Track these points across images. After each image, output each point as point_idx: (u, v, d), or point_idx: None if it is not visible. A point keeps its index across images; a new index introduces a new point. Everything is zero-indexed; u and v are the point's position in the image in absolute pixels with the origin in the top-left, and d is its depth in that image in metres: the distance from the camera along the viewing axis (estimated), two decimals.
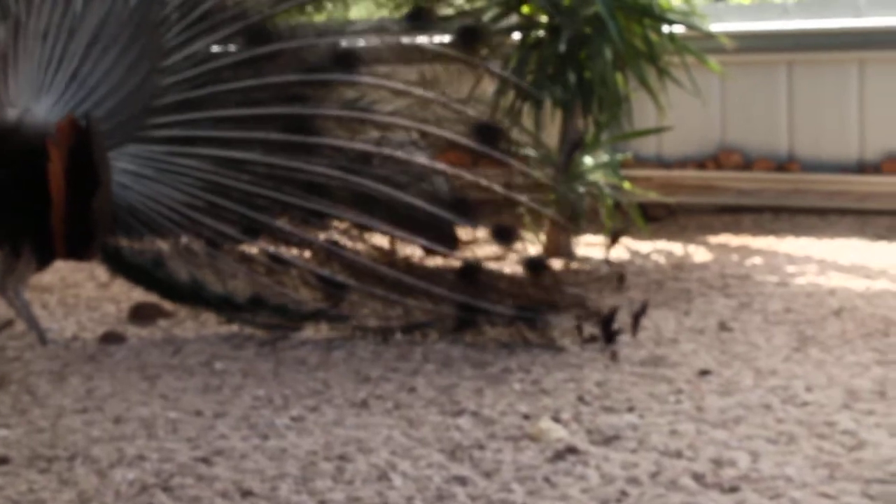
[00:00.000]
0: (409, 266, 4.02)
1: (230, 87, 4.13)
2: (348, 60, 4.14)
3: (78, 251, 4.13)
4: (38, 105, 4.01)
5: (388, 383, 3.54)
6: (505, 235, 4.01)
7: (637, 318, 3.96)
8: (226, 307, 4.16)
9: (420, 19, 4.18)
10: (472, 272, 3.98)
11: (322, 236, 4.07)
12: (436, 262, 4.03)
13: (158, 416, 3.29)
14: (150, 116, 4.10)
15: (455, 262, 4.01)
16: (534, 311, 3.91)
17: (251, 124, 4.13)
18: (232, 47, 4.21)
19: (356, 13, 4.44)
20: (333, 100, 4.16)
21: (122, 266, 4.21)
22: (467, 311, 3.94)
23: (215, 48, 4.19)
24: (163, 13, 4.14)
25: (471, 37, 4.20)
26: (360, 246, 4.06)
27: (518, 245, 4.01)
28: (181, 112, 4.11)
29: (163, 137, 4.10)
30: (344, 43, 4.18)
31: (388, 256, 4.05)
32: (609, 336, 3.88)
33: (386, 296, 4.00)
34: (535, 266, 4.02)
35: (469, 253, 4.00)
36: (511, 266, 4.05)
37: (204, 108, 4.13)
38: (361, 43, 4.20)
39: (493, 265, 4.01)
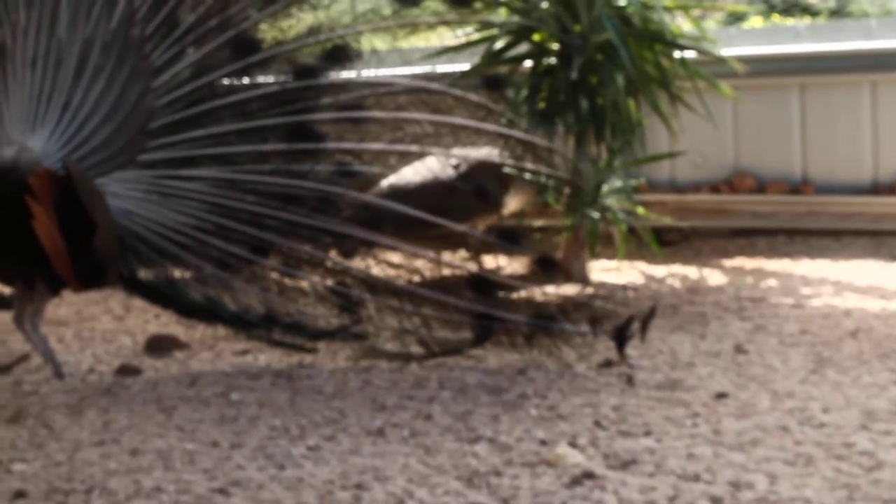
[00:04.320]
0: (421, 278, 4.04)
1: (225, 102, 4.13)
2: (340, 57, 4.15)
3: (91, 283, 4.11)
4: (34, 139, 3.96)
5: (404, 411, 3.54)
6: (510, 237, 4.08)
7: (646, 321, 3.99)
8: (241, 324, 4.16)
9: None
10: (484, 283, 4.01)
11: (332, 253, 4.08)
12: (448, 273, 4.05)
13: (175, 447, 3.29)
14: (148, 139, 4.08)
15: (467, 274, 4.05)
16: (549, 320, 3.94)
17: (250, 138, 4.12)
18: (222, 59, 4.17)
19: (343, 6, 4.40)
20: (331, 101, 4.16)
21: (137, 287, 4.20)
22: (483, 319, 3.96)
23: (204, 62, 4.16)
24: (146, 31, 4.12)
25: None
26: (370, 261, 4.07)
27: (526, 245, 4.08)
28: (178, 132, 4.09)
29: (163, 160, 4.08)
30: (335, 39, 4.17)
31: (399, 270, 4.07)
32: (622, 343, 3.90)
33: (401, 307, 4.02)
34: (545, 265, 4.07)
35: (479, 264, 4.04)
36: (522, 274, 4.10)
37: (201, 125, 4.10)
38: (352, 35, 4.19)
39: (505, 276, 4.06)
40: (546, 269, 4.11)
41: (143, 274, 4.15)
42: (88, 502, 2.92)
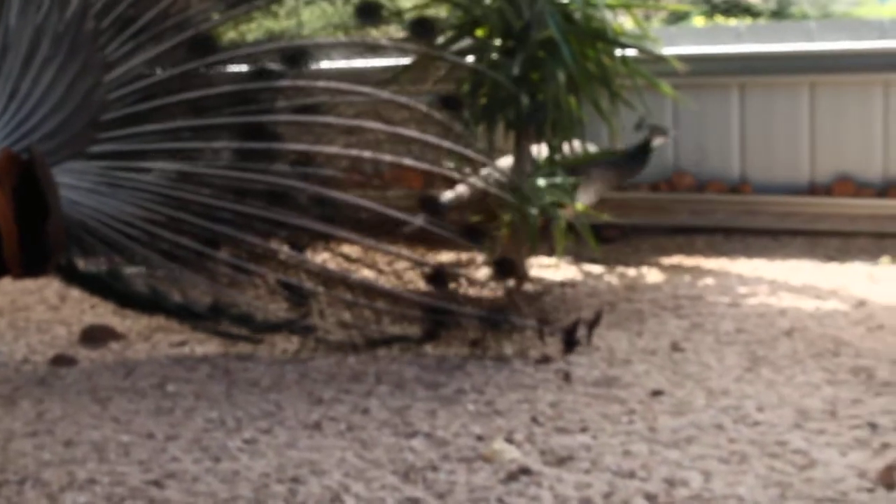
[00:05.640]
0: (378, 271, 4.05)
1: (180, 99, 4.11)
2: (300, 62, 4.16)
3: (33, 271, 4.08)
4: None
5: (341, 405, 3.54)
6: (474, 236, 4.12)
7: (592, 326, 4.08)
8: (186, 315, 4.14)
9: (370, 15, 4.20)
10: (441, 278, 4.04)
11: (287, 246, 4.09)
12: (405, 267, 4.07)
13: (110, 439, 3.27)
14: (98, 131, 4.06)
15: (425, 268, 4.06)
16: (500, 314, 3.99)
17: (205, 134, 4.12)
18: (178, 58, 4.17)
19: (307, 17, 4.41)
20: (288, 105, 4.17)
21: (76, 277, 4.18)
22: (436, 313, 4.00)
23: (160, 59, 4.15)
24: (101, 25, 4.10)
25: (424, 27, 4.26)
26: (326, 254, 4.07)
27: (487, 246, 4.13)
28: (130, 125, 4.08)
29: (112, 152, 4.06)
30: (295, 45, 4.18)
31: (356, 263, 4.08)
32: (570, 343, 3.99)
33: (354, 301, 4.02)
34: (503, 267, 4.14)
35: (437, 259, 4.07)
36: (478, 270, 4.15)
37: (154, 120, 4.09)
38: (313, 45, 4.20)
39: (461, 270, 4.09)
40: (504, 270, 4.15)
41: (84, 264, 4.13)
42: (21, 493, 2.89)
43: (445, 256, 4.16)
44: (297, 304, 4.09)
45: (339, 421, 3.38)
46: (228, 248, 4.09)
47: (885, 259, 5.44)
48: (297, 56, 4.18)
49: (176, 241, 4.04)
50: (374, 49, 4.26)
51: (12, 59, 4.00)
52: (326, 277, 4.06)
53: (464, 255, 4.16)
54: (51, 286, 5.10)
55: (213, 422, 3.40)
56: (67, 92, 4.04)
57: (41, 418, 3.49)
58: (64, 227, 3.93)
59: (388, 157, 4.13)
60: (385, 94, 4.17)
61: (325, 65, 4.27)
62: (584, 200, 5.57)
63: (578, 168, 5.53)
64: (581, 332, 4.04)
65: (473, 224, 4.20)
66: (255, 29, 4.25)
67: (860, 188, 5.94)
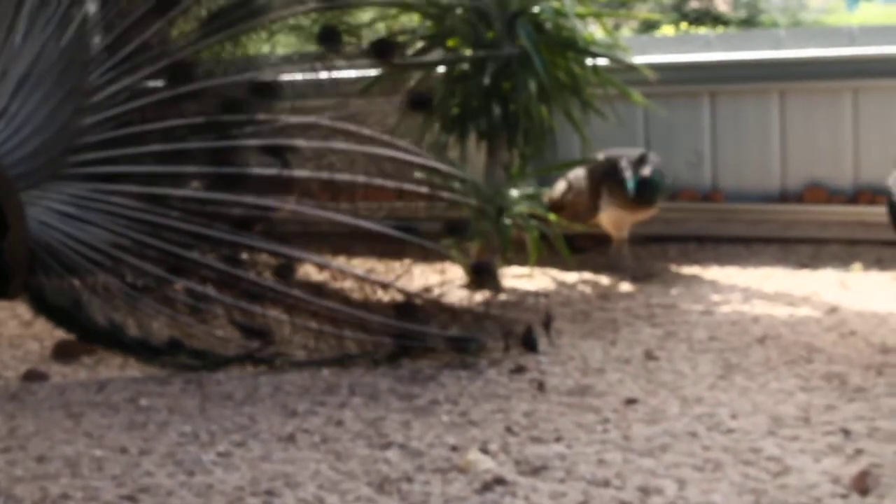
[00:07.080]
0: (345, 298, 4.05)
1: (155, 126, 4.12)
2: (268, 93, 4.17)
3: None
4: None
5: (315, 417, 3.53)
6: (457, 229, 4.19)
7: (547, 324, 4.19)
8: (144, 351, 4.13)
9: (331, 40, 4.20)
10: (411, 307, 4.06)
11: (252, 273, 4.08)
12: (375, 294, 4.07)
13: (83, 454, 3.25)
14: (74, 154, 4.06)
15: (396, 296, 4.07)
16: (467, 334, 4.04)
17: (177, 159, 4.12)
18: (155, 85, 4.18)
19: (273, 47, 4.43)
20: (256, 132, 4.17)
21: (43, 306, 4.16)
22: (404, 338, 4.02)
23: (138, 86, 4.16)
24: (89, 54, 4.11)
25: (384, 48, 4.27)
26: (293, 280, 4.07)
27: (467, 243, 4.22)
28: (105, 149, 4.07)
29: (87, 175, 4.06)
30: (263, 76, 4.19)
31: (324, 289, 4.07)
32: (530, 346, 4.10)
33: (320, 329, 4.02)
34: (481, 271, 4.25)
35: (408, 285, 4.08)
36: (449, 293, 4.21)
37: (128, 145, 4.09)
38: (280, 75, 4.21)
39: (431, 295, 4.12)
40: (481, 275, 4.18)
41: (51, 293, 4.11)
42: None
43: (419, 272, 4.17)
44: (259, 336, 4.09)
45: (313, 433, 3.38)
46: (192, 277, 4.08)
47: (856, 266, 5.46)
48: (264, 86, 4.19)
49: (140, 267, 4.03)
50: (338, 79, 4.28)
51: (8, 82, 4.00)
52: (290, 304, 4.06)
53: (440, 266, 4.18)
54: (23, 301, 5.07)
55: (187, 436, 3.39)
56: (50, 115, 4.03)
57: (13, 434, 3.47)
58: (26, 246, 3.91)
59: (361, 178, 4.13)
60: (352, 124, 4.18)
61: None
62: (606, 219, 5.57)
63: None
64: (538, 335, 4.14)
65: (455, 219, 4.19)
66: (225, 58, 4.25)
67: (831, 195, 5.96)
